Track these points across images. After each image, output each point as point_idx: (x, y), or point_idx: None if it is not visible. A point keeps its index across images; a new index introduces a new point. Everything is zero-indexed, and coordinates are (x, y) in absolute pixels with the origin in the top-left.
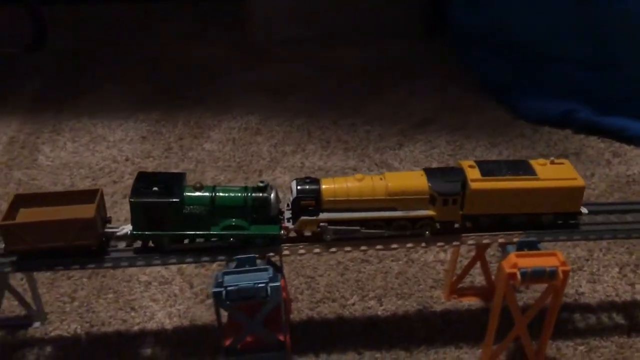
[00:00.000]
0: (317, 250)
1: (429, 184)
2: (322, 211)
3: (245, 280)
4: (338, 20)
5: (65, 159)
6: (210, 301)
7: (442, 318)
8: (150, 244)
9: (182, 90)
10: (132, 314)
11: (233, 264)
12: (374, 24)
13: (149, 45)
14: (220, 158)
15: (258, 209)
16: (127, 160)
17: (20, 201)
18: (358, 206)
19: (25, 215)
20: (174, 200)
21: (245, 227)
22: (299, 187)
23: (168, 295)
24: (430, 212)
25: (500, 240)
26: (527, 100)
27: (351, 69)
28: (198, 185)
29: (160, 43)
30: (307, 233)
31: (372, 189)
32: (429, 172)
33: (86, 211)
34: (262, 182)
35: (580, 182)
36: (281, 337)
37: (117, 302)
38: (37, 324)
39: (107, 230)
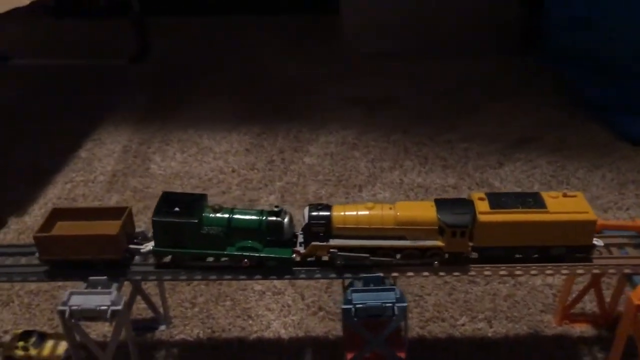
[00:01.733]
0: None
1: (438, 216)
2: (333, 237)
3: (373, 298)
4: (430, 35)
5: (175, 169)
6: (322, 313)
7: (555, 343)
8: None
9: (279, 103)
10: (250, 322)
11: (360, 282)
12: (466, 39)
13: (246, 58)
14: (320, 172)
15: (272, 232)
16: (233, 171)
17: (58, 215)
18: (367, 234)
19: (61, 228)
20: (193, 220)
21: (259, 249)
22: (310, 214)
23: (282, 305)
24: (438, 243)
25: (627, 271)
26: (629, 120)
27: (444, 85)
28: (217, 207)
29: (256, 56)
30: (324, 258)
31: (381, 218)
32: (439, 203)
33: (112, 228)
34: (277, 206)
35: (591, 216)
36: (401, 355)
37: (234, 310)
38: (163, 327)
39: (131, 246)
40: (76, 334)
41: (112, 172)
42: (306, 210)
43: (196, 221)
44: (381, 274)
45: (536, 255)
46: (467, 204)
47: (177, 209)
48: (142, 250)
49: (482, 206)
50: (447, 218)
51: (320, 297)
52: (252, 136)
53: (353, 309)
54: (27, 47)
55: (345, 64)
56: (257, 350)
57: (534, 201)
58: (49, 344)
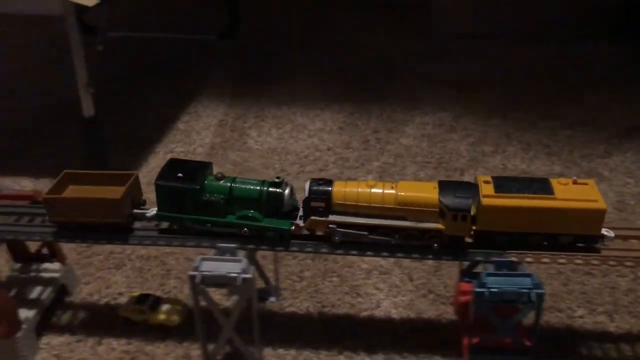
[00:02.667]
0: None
1: (440, 198)
2: (332, 213)
3: (508, 283)
4: (523, 17)
5: (272, 144)
6: (432, 296)
7: None
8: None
9: (370, 82)
10: (359, 299)
11: (491, 266)
12: (562, 22)
13: (335, 35)
14: (419, 154)
15: (271, 203)
16: (329, 149)
17: (69, 178)
18: (367, 212)
19: (72, 191)
20: (195, 187)
21: (259, 219)
22: (311, 188)
23: (390, 285)
24: (438, 226)
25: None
26: None
27: (541, 69)
28: (220, 175)
29: (345, 34)
30: (319, 233)
31: (381, 197)
32: (443, 185)
33: (116, 193)
34: (278, 178)
35: (600, 204)
36: (527, 342)
37: (341, 286)
38: (273, 299)
39: (137, 211)
40: (202, 299)
41: (211, 145)
42: (307, 184)
43: (197, 187)
44: (514, 259)
45: (545, 243)
46: (471, 188)
47: (180, 174)
48: (147, 215)
49: (486, 189)
50: (449, 201)
51: (429, 279)
52: (345, 115)
53: (487, 293)
54: (120, 21)
55: (436, 44)
56: (370, 329)
57: (542, 187)
58: (164, 308)
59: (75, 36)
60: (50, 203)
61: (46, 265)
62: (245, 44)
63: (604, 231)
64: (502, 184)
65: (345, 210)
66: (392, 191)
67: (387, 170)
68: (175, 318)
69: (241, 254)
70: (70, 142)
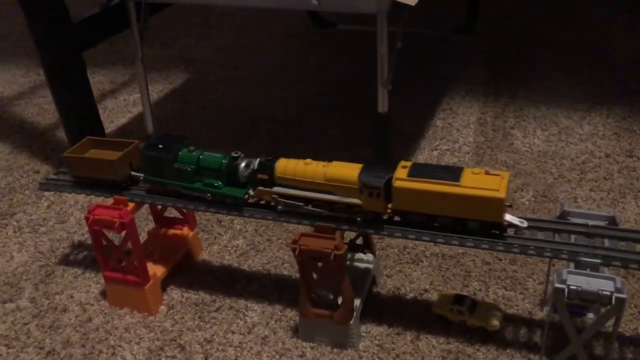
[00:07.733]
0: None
1: (358, 176)
2: (276, 185)
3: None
4: None
5: (541, 147)
6: None
7: None
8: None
9: (636, 83)
10: None
11: None
12: None
13: (586, 33)
14: None
15: (230, 174)
16: (607, 157)
17: (92, 143)
18: (303, 186)
19: (89, 153)
20: (168, 157)
21: (220, 187)
22: (259, 162)
23: None
24: (358, 201)
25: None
26: None
27: None
28: (192, 148)
29: (593, 28)
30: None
31: (313, 173)
32: (366, 166)
33: (115, 156)
34: (236, 152)
35: (499, 194)
36: None
37: None
38: (591, 315)
39: (134, 173)
40: (560, 311)
41: (475, 144)
42: (257, 160)
43: (170, 157)
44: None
45: (453, 226)
46: (390, 170)
47: (161, 145)
48: (140, 178)
49: (401, 173)
50: (365, 179)
51: None
52: (616, 119)
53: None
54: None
55: None
56: None
57: (451, 175)
58: (482, 311)
59: (383, 34)
60: (69, 161)
61: (360, 255)
62: (490, 40)
63: (516, 221)
64: (417, 170)
65: (286, 183)
66: (323, 168)
67: None
68: (496, 323)
69: (607, 270)
70: (336, 131)
